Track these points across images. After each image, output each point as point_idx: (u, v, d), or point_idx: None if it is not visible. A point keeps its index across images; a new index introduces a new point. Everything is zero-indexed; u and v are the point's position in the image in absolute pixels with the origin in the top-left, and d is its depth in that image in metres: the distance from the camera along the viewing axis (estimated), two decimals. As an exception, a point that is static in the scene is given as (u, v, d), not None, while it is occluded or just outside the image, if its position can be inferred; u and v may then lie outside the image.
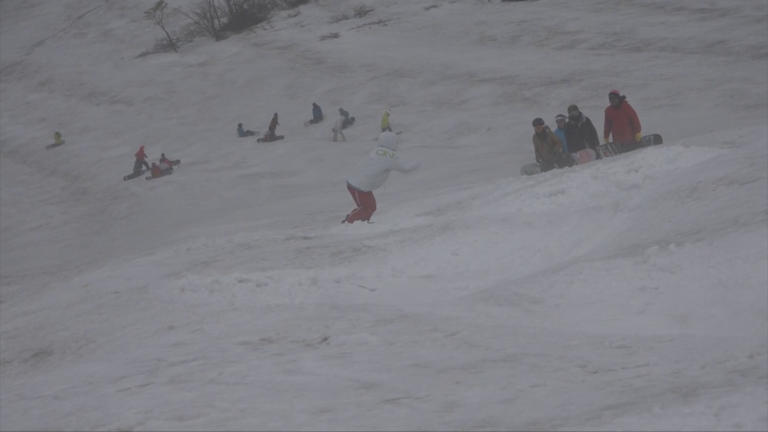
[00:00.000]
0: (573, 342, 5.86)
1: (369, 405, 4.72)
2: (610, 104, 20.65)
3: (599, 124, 20.99)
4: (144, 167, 45.33)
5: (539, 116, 23.75)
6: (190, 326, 7.44)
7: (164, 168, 43.67)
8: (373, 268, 10.35)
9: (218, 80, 58.77)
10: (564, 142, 20.95)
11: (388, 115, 43.29)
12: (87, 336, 8.29)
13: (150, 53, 66.43)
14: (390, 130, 41.69)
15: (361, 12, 62.68)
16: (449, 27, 56.21)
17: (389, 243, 11.37)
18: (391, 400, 4.78)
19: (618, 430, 3.99)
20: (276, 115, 46.86)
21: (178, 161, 44.93)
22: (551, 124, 21.95)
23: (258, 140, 46.33)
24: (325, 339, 6.34)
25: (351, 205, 15.88)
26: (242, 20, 66.92)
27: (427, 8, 60.60)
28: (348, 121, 45.36)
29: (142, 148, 46.58)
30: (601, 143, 20.68)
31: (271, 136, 45.91)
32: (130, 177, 44.75)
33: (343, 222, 14.89)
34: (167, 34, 66.90)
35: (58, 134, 55.07)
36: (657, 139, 20.53)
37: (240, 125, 48.54)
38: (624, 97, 21.01)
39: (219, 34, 66.21)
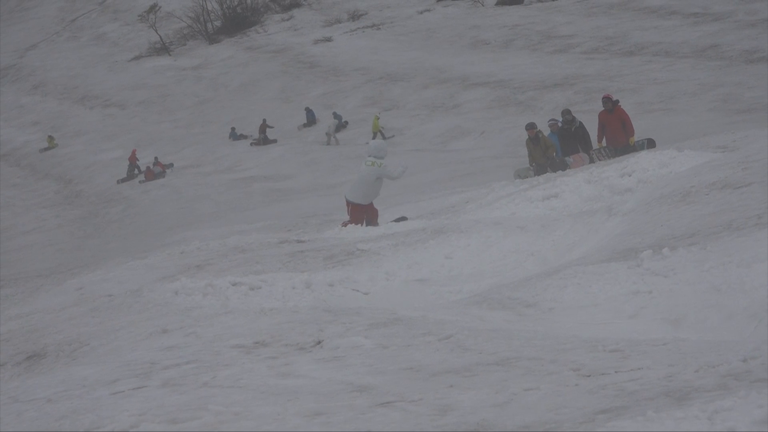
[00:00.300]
0: (566, 346, 5.87)
1: (362, 408, 4.72)
2: (603, 108, 20.67)
3: (592, 129, 21.01)
4: (136, 171, 45.26)
5: (532, 120, 23.75)
6: (183, 329, 7.44)
7: (158, 171, 43.62)
8: (366, 272, 10.35)
9: (211, 84, 58.72)
10: (557, 146, 20.95)
11: (378, 118, 43.26)
12: (80, 339, 8.28)
13: (143, 57, 66.36)
14: (381, 133, 41.76)
15: (355, 16, 62.69)
16: (442, 31, 56.23)
17: (383, 247, 11.38)
18: (384, 404, 4.78)
19: (611, 433, 4.00)
20: (264, 120, 46.84)
21: (171, 164, 44.87)
22: (544, 128, 21.95)
23: (251, 143, 46.31)
24: (319, 342, 6.34)
25: (345, 209, 15.91)
26: (236, 24, 66.88)
27: (421, 12, 60.61)
28: (341, 125, 45.35)
29: (134, 152, 46.50)
30: (594, 147, 20.70)
31: (264, 140, 45.89)
32: (123, 180, 44.69)
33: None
34: (160, 37, 66.85)
35: (51, 137, 54.95)
36: (650, 143, 20.55)
37: (233, 129, 48.50)
38: (617, 101, 21.05)
39: (212, 38, 66.18)
